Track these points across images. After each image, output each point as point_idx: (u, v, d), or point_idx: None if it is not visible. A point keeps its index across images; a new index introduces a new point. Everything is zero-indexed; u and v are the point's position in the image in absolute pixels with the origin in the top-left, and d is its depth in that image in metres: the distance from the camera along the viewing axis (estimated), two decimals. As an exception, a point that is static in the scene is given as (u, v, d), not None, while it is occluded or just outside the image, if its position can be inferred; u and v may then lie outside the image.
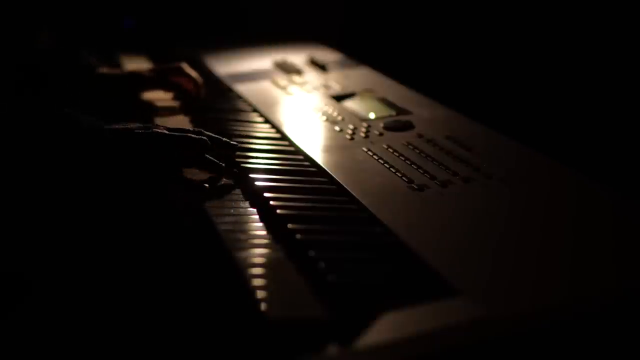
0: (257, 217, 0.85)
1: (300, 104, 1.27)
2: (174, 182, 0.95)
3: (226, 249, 0.76)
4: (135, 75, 1.31)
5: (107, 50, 1.59)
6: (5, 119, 0.88)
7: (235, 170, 0.97)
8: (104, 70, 1.30)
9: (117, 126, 0.93)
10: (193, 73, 1.31)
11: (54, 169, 0.88)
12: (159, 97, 1.32)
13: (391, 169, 0.95)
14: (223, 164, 0.95)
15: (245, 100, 1.31)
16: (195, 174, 0.95)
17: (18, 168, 0.87)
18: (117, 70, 1.34)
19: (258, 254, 0.76)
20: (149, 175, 0.95)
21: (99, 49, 1.51)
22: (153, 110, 1.27)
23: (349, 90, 1.32)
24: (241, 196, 0.91)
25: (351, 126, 1.13)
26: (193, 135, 0.95)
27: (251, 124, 1.18)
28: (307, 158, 1.02)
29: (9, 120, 0.88)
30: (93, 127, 0.90)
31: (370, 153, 1.01)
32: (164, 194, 0.97)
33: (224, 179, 0.95)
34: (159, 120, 1.18)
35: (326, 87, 1.35)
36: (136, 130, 0.93)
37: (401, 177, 0.92)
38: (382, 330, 0.62)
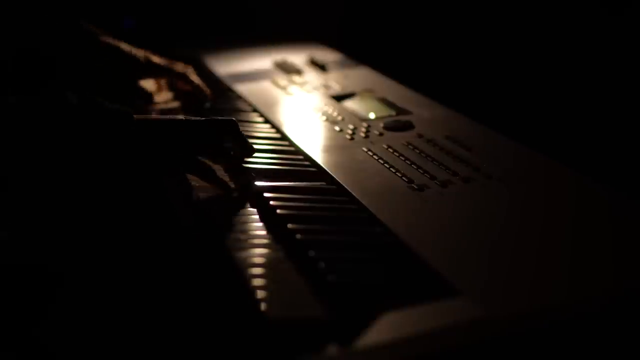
0: (257, 217, 0.85)
1: (300, 104, 1.27)
2: (175, 181, 0.95)
3: (226, 249, 0.76)
4: (136, 61, 1.27)
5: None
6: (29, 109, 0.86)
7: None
8: (108, 40, 1.25)
9: (145, 116, 0.93)
10: (197, 80, 1.29)
11: (76, 153, 0.87)
12: (160, 97, 1.32)
13: (391, 169, 0.95)
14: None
15: (245, 100, 1.31)
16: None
17: (43, 157, 0.86)
18: (121, 43, 1.28)
19: (258, 254, 0.76)
20: (171, 163, 0.94)
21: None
22: (149, 101, 1.28)
23: (349, 90, 1.32)
24: (241, 196, 0.91)
25: (351, 126, 1.13)
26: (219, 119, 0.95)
27: (251, 124, 1.18)
28: (307, 158, 1.02)
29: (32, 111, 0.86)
30: (119, 110, 0.90)
31: (370, 153, 1.01)
32: (164, 193, 0.97)
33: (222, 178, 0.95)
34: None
35: (326, 87, 1.35)
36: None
37: (401, 177, 0.93)
38: (382, 330, 0.62)
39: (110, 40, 1.25)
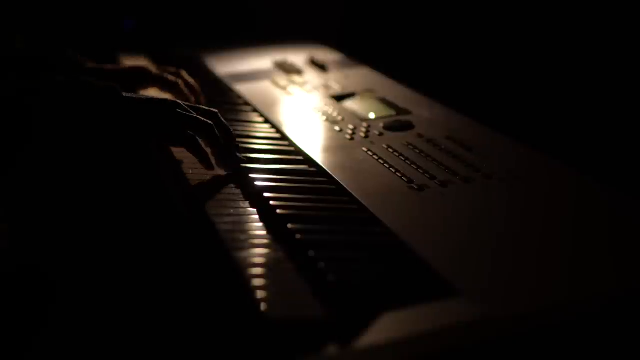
0: (257, 217, 0.85)
1: (300, 104, 1.27)
2: (174, 179, 0.95)
3: (226, 249, 0.76)
4: (129, 74, 1.23)
5: (107, 51, 1.59)
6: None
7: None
8: (91, 65, 1.23)
9: (131, 94, 0.93)
10: (191, 81, 1.27)
11: (66, 135, 0.87)
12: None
13: (391, 169, 0.95)
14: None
15: (245, 100, 1.31)
16: (196, 175, 0.95)
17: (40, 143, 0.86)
18: (107, 65, 1.26)
19: (258, 254, 0.76)
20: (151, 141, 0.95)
21: (99, 49, 1.51)
22: None
23: (349, 90, 1.32)
24: (241, 196, 0.91)
25: (351, 126, 1.13)
26: (204, 119, 0.95)
27: (251, 124, 1.18)
28: (307, 158, 1.02)
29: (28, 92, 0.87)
30: (107, 87, 0.90)
31: (370, 153, 1.01)
32: (164, 193, 0.97)
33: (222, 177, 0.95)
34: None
35: (326, 87, 1.35)
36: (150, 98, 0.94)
37: (401, 177, 0.92)
38: (382, 330, 0.62)
39: (94, 65, 1.22)
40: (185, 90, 1.20)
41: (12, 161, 0.86)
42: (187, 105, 0.96)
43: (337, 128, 1.13)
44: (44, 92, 0.87)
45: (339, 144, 1.06)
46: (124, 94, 0.91)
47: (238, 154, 0.98)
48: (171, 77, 1.21)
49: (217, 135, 0.95)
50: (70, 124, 0.87)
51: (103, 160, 0.93)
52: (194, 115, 0.95)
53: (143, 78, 1.22)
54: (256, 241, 0.79)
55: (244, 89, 1.37)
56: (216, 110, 0.99)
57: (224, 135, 0.97)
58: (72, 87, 0.88)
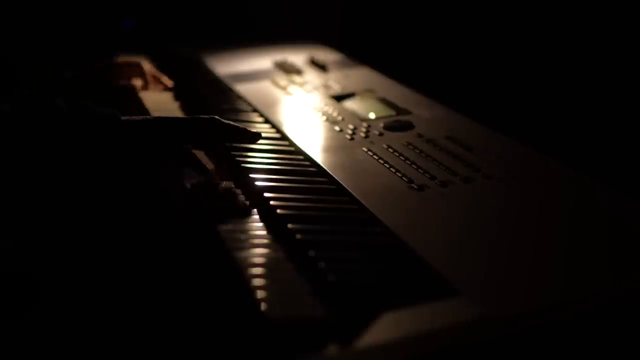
0: (257, 217, 0.85)
1: (300, 104, 1.27)
2: (175, 183, 0.96)
3: (226, 249, 0.76)
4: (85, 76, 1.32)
5: (107, 51, 1.59)
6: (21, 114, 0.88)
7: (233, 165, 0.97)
8: (69, 74, 1.31)
9: (130, 117, 0.95)
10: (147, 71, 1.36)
11: (68, 158, 0.89)
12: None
13: (391, 169, 0.95)
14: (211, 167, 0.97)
15: (245, 100, 1.31)
16: (196, 175, 0.95)
17: (33, 161, 0.88)
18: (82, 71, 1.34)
19: (258, 254, 0.76)
20: (158, 162, 0.97)
21: (99, 49, 1.51)
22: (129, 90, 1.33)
23: (349, 90, 1.32)
24: (241, 196, 0.91)
25: (351, 126, 1.13)
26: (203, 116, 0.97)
27: (251, 124, 1.18)
28: (307, 158, 1.02)
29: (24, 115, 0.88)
30: (108, 114, 0.92)
31: (370, 153, 1.01)
32: (165, 194, 0.97)
33: (223, 179, 0.95)
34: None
35: (326, 87, 1.35)
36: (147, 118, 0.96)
37: (401, 177, 0.93)
38: (382, 330, 0.62)
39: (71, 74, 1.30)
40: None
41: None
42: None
43: (337, 128, 1.13)
44: (44, 116, 0.88)
45: (339, 144, 1.06)
46: (124, 118, 0.93)
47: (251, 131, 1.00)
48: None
49: (225, 122, 0.97)
50: (70, 146, 0.89)
51: (105, 175, 0.94)
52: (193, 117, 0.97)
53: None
54: (256, 241, 0.79)
55: (244, 89, 1.37)
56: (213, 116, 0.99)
57: (237, 137, 0.99)
58: (73, 113, 0.90)
